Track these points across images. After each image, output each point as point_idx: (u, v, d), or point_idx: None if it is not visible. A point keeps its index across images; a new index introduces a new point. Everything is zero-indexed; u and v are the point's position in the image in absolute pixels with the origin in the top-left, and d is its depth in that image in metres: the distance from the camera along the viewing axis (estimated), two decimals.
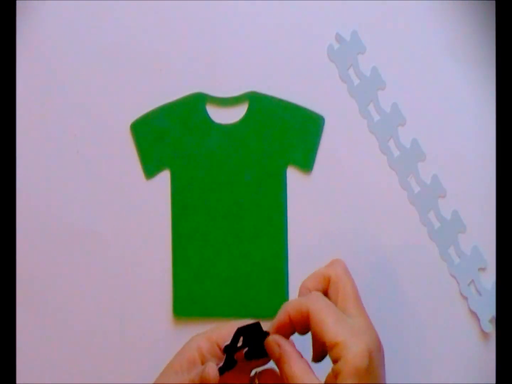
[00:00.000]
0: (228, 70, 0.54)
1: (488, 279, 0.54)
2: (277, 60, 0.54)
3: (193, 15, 0.54)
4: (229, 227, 0.53)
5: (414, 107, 0.55)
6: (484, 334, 0.53)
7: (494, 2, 0.52)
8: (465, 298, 0.54)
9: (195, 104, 0.54)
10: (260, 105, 0.54)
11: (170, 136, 0.53)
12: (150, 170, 0.54)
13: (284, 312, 0.44)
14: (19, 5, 0.52)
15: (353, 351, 0.41)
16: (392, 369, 0.53)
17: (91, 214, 0.53)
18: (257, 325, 0.44)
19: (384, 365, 0.44)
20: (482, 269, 0.54)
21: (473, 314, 0.54)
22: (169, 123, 0.53)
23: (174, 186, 0.53)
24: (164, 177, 0.54)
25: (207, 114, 0.54)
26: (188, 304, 0.53)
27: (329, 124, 0.54)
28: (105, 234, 0.51)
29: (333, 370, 0.42)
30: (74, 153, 0.53)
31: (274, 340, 0.44)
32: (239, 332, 0.44)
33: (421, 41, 0.55)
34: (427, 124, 0.55)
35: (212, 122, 0.54)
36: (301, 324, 0.44)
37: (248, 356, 0.44)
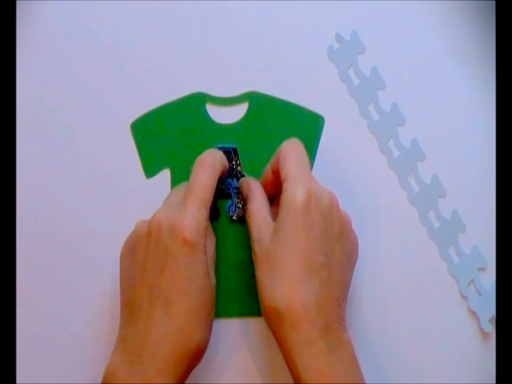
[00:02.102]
0: (228, 70, 0.54)
1: (488, 279, 0.54)
2: (277, 60, 0.54)
3: (193, 15, 0.54)
4: (230, 226, 0.53)
5: (414, 107, 0.55)
6: (484, 334, 0.54)
7: (494, 2, 0.52)
8: (465, 298, 0.54)
9: (195, 104, 0.54)
10: (260, 105, 0.54)
11: (170, 136, 0.53)
12: (150, 170, 0.54)
13: (267, 166, 0.49)
14: (19, 5, 0.52)
15: (295, 186, 0.45)
16: (392, 368, 0.53)
17: (91, 214, 0.53)
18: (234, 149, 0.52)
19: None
20: (482, 269, 0.54)
21: (473, 313, 0.54)
22: (169, 123, 0.53)
23: (174, 186, 0.53)
24: (164, 177, 0.54)
25: (207, 114, 0.54)
26: None
27: (329, 124, 0.54)
28: (105, 234, 0.51)
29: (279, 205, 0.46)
30: (74, 153, 0.53)
31: (245, 181, 0.51)
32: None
33: (421, 41, 0.55)
34: (426, 124, 0.55)
35: (212, 122, 0.54)
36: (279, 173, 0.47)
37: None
